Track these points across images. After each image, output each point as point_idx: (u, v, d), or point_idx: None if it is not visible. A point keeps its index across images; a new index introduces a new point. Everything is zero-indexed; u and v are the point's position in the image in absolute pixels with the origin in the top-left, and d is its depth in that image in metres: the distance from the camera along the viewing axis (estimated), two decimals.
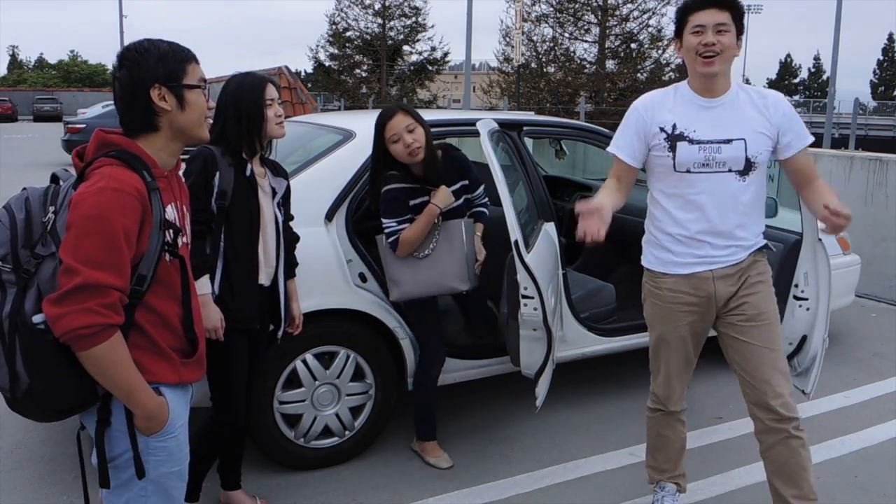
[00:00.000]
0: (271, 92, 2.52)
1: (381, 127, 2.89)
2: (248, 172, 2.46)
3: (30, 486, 2.96)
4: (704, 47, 2.29)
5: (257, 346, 2.64)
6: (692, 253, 2.42)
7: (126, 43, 1.72)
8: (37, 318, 1.51)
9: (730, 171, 2.35)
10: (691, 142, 2.35)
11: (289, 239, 2.69)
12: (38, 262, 1.55)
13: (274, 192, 2.57)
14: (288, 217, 2.69)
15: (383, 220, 2.93)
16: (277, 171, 2.64)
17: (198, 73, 1.71)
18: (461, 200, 3.05)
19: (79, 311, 1.46)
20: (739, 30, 2.34)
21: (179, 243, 1.69)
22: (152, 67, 1.63)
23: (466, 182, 3.08)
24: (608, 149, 2.52)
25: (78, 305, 1.46)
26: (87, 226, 1.49)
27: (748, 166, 2.35)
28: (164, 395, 1.64)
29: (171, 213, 1.68)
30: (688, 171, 2.37)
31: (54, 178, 1.69)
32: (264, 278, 2.55)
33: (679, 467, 2.73)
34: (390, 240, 2.92)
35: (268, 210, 2.53)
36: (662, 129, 2.39)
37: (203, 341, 1.79)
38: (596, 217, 2.19)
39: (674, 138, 2.37)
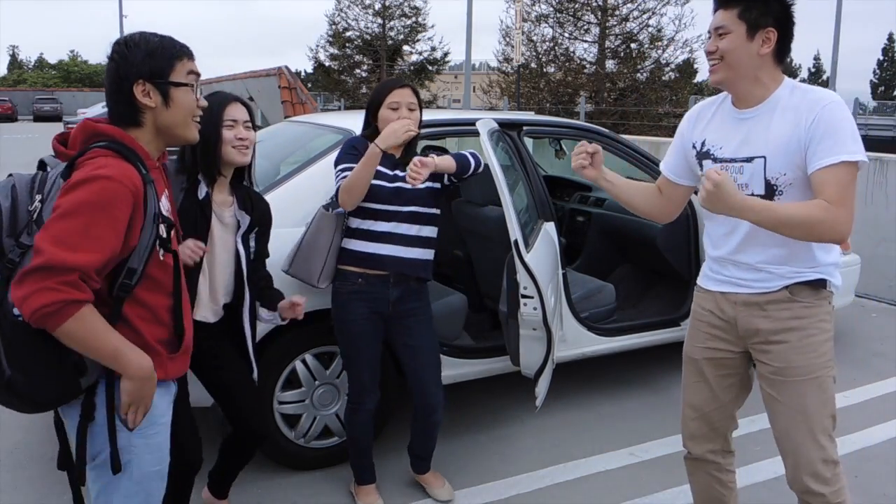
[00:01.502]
0: (233, 112, 2.31)
1: (386, 90, 2.65)
2: (201, 196, 2.29)
3: (30, 486, 2.96)
4: (707, 55, 2.04)
5: (217, 386, 2.45)
6: (720, 271, 2.16)
7: None
8: (18, 310, 1.47)
9: (752, 194, 1.99)
10: (715, 160, 2.09)
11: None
12: (23, 251, 1.50)
13: (239, 226, 2.38)
14: (262, 253, 2.48)
15: (335, 169, 2.63)
16: (251, 201, 2.42)
17: (187, 69, 1.65)
18: (430, 182, 2.67)
19: (38, 291, 1.41)
20: (759, 23, 1.97)
21: (173, 237, 1.66)
22: (138, 63, 1.59)
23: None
24: None
25: (37, 285, 1.41)
26: (68, 208, 1.46)
27: (770, 190, 1.99)
28: None
29: (164, 204, 1.64)
30: None
31: (42, 165, 1.64)
32: (206, 313, 2.36)
33: None
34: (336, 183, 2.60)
35: (222, 242, 2.34)
36: (694, 146, 2.17)
37: (191, 332, 1.75)
38: (592, 152, 2.17)
39: (701, 156, 2.14)
